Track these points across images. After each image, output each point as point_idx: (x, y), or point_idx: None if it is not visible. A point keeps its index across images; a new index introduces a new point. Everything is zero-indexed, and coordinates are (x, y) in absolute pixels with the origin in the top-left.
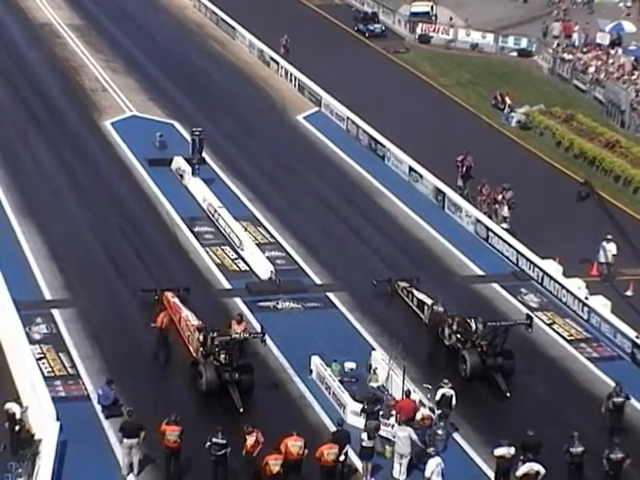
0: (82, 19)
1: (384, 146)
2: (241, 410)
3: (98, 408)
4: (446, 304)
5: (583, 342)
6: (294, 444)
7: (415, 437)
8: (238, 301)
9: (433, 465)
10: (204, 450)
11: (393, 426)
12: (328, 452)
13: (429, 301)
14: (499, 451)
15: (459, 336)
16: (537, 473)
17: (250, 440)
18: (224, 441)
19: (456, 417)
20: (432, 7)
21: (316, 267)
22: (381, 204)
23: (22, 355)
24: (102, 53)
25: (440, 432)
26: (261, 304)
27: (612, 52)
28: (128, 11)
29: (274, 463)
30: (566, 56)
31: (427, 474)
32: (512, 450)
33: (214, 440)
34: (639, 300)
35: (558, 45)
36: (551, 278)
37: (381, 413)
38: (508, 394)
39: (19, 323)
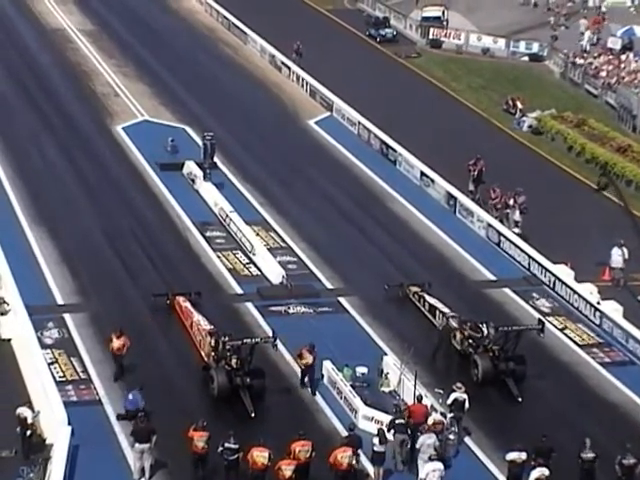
0: (94, 24)
1: (395, 151)
2: (252, 415)
3: (110, 412)
4: (451, 323)
5: (595, 347)
6: (302, 449)
7: (438, 444)
8: (249, 306)
9: (429, 468)
10: (216, 454)
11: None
12: (342, 455)
13: (440, 306)
14: (510, 456)
15: (471, 341)
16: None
17: (261, 457)
18: (236, 446)
19: (468, 422)
20: (443, 12)
21: (327, 272)
22: (392, 209)
23: (34, 359)
24: (114, 58)
25: (452, 437)
26: (272, 309)
27: (623, 57)
28: (140, 16)
29: (287, 468)
30: (577, 61)
31: (422, 475)
32: (523, 455)
33: (226, 445)
34: None
35: (588, 40)
36: (563, 283)
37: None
38: (520, 399)
39: (31, 328)
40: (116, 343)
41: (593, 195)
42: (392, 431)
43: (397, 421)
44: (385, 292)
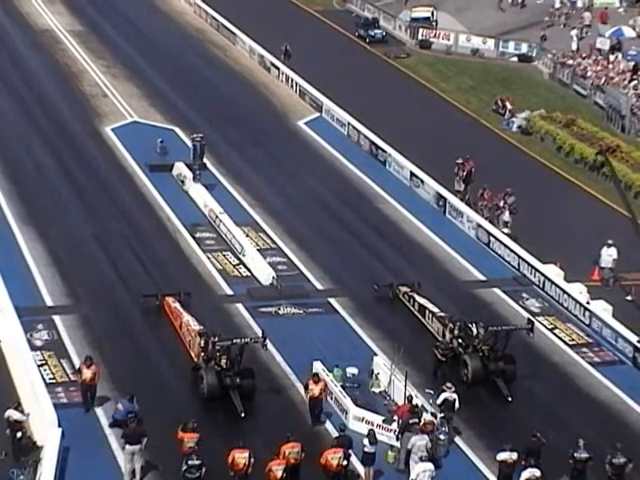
0: (82, 25)
1: (385, 151)
2: (242, 415)
3: (100, 414)
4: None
5: (585, 347)
6: (291, 451)
7: (430, 445)
8: (239, 307)
9: (420, 469)
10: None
11: (396, 431)
12: (332, 456)
13: (430, 306)
14: (501, 456)
15: (460, 341)
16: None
17: (242, 458)
18: (199, 462)
19: (458, 422)
20: (432, 12)
21: (317, 272)
22: (382, 209)
23: (23, 361)
24: (102, 59)
25: (442, 437)
26: (262, 309)
27: (612, 57)
28: (128, 17)
29: (277, 468)
30: (566, 61)
31: (412, 476)
32: (514, 455)
33: (190, 463)
34: None
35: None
36: (552, 283)
37: (417, 426)
38: (510, 399)
39: (20, 329)
40: (87, 373)
41: (583, 195)
42: (404, 432)
43: (411, 421)
44: (375, 292)
